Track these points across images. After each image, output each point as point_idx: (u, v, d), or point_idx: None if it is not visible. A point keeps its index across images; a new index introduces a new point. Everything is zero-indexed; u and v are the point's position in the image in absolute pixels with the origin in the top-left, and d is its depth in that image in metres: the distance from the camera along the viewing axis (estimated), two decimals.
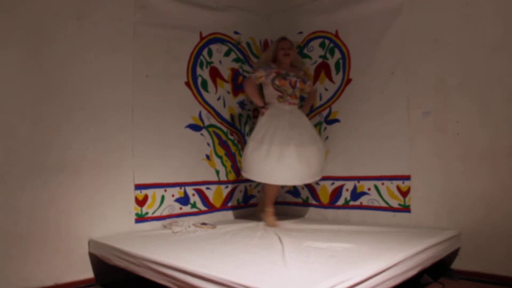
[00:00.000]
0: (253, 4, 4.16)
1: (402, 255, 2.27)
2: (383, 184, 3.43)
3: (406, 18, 3.30)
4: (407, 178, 3.28)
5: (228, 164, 3.91)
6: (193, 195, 3.62)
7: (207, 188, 3.72)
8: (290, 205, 4.09)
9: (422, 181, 3.19)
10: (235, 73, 4.00)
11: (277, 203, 4.22)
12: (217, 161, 3.81)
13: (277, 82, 3.45)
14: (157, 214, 3.35)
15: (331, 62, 3.79)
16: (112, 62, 3.12)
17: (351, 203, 3.64)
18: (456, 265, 2.97)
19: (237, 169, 3.97)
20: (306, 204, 3.91)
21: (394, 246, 2.46)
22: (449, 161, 3.05)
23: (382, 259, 2.16)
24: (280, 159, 3.31)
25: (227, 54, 3.95)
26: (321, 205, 3.83)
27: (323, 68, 3.86)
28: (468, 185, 2.96)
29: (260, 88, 3.65)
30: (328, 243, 2.62)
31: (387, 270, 2.10)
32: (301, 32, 3.98)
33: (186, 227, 3.20)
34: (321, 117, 3.84)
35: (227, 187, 3.89)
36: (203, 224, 3.33)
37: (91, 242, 2.90)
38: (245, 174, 3.51)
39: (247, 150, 3.45)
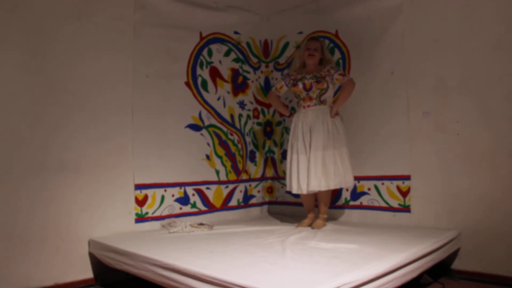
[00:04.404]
0: (253, 4, 4.16)
1: (406, 258, 2.26)
2: (383, 184, 3.43)
3: (406, 18, 3.30)
4: (407, 178, 3.28)
5: (228, 164, 3.90)
6: (193, 195, 3.62)
7: (207, 188, 3.72)
8: (290, 205, 4.09)
9: (422, 181, 3.19)
10: (235, 73, 4.00)
11: (276, 203, 4.24)
12: (217, 161, 3.81)
13: (292, 89, 3.47)
14: (157, 214, 3.35)
15: None
16: (112, 62, 3.12)
17: (351, 203, 3.64)
18: (456, 265, 2.97)
19: (237, 169, 3.97)
20: None
21: (397, 247, 2.44)
22: (449, 161, 3.05)
23: (385, 261, 2.14)
24: (291, 167, 3.35)
25: (227, 54, 3.94)
26: None
27: None
28: (468, 185, 2.96)
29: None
30: (332, 243, 2.62)
31: (390, 273, 2.09)
32: (301, 32, 3.97)
33: (183, 228, 3.20)
34: None
35: (227, 187, 3.89)
36: (200, 224, 3.33)
37: (91, 242, 2.91)
38: None
39: None
